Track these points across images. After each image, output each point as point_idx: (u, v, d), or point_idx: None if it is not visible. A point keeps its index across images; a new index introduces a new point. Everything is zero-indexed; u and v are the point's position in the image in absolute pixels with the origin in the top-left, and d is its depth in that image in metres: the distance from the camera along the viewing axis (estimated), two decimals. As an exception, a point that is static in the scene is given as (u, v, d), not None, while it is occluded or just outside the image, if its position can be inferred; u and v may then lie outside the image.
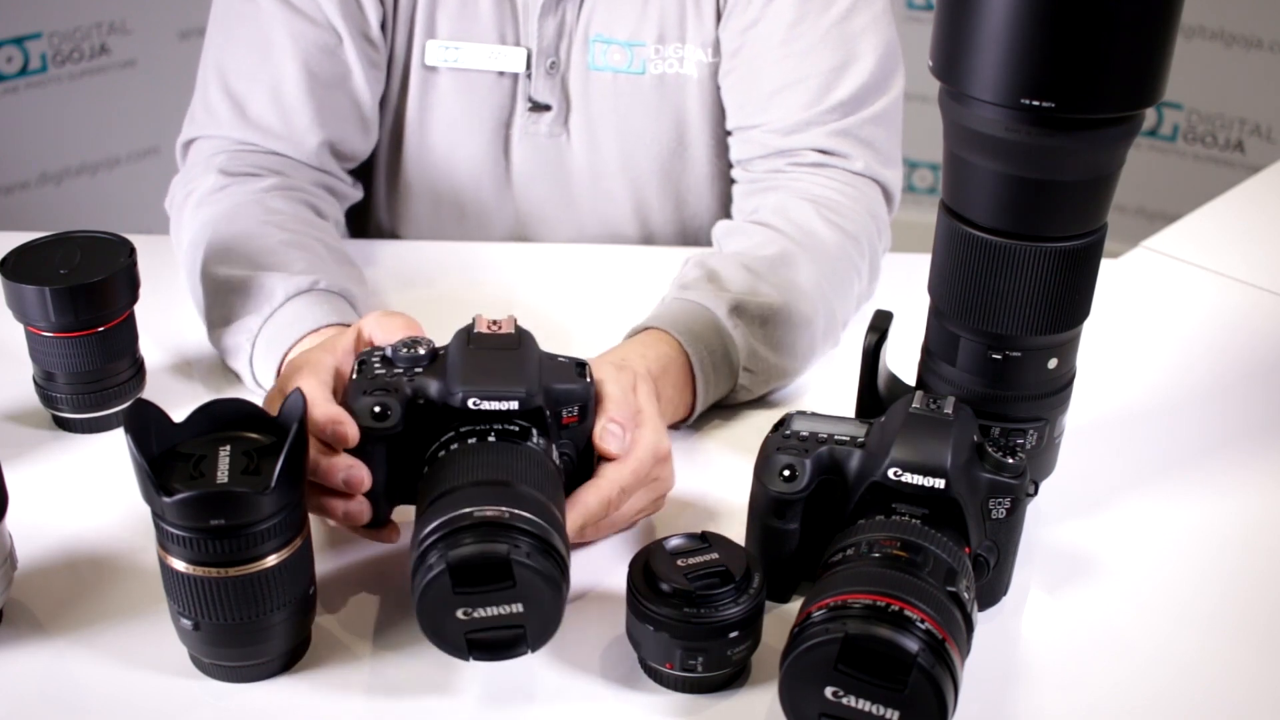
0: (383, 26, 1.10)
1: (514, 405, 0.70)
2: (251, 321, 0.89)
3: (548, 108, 1.13)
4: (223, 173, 1.02)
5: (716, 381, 0.89)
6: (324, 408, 0.70)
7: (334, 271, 0.93)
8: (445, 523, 0.63)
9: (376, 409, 0.70)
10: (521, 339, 0.72)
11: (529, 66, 1.12)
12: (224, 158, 1.04)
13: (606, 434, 0.75)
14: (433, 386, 0.71)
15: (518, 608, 0.63)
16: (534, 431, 0.71)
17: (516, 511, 0.64)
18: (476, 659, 0.65)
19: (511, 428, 0.70)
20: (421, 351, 0.72)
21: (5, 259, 0.86)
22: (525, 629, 0.64)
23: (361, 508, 0.71)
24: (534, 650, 0.65)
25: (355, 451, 0.71)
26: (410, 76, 1.13)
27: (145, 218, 2.55)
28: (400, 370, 0.72)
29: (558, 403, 0.72)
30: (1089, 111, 0.68)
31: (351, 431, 0.70)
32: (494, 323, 0.73)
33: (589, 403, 0.74)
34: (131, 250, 0.88)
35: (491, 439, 0.69)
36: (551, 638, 0.65)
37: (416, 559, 0.64)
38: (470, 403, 0.69)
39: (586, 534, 0.75)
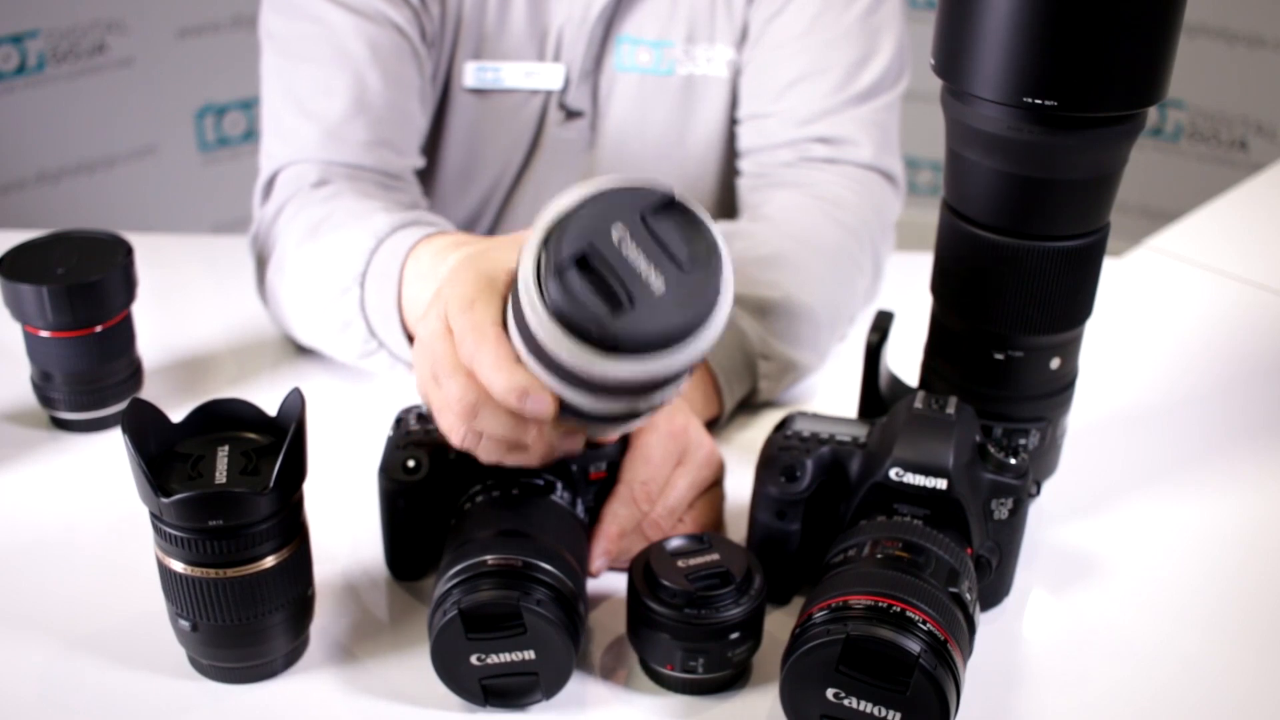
0: (429, 42, 1.07)
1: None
2: (354, 261, 0.85)
3: (580, 114, 1.12)
4: (318, 185, 0.97)
5: (737, 377, 0.89)
6: (507, 375, 0.61)
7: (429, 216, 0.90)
8: (462, 570, 0.65)
9: (410, 463, 0.73)
10: None
11: (567, 77, 1.10)
12: (316, 176, 0.97)
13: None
14: None
15: (530, 654, 0.64)
16: (559, 485, 0.72)
17: (532, 560, 0.65)
18: (491, 705, 0.66)
19: (536, 481, 0.72)
20: None
21: (2, 258, 0.86)
22: (538, 676, 0.65)
23: (571, 439, 0.67)
24: (548, 697, 0.66)
25: (392, 504, 0.73)
26: (449, 98, 1.10)
27: (143, 217, 2.55)
28: (434, 426, 0.74)
29: (585, 458, 0.74)
30: (1091, 110, 0.68)
31: (545, 406, 0.62)
32: None
33: (617, 459, 0.75)
34: (129, 250, 0.88)
35: (515, 492, 0.71)
36: (565, 685, 0.66)
37: (434, 605, 0.65)
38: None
39: (650, 534, 0.74)
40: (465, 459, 0.73)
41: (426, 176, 1.15)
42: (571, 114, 1.12)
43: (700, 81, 1.12)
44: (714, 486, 0.78)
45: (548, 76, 1.10)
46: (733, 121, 1.13)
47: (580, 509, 0.73)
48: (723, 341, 0.88)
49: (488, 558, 0.65)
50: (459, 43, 1.08)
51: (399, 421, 0.76)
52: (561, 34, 1.09)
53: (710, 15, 1.10)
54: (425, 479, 0.73)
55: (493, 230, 1.19)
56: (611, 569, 0.75)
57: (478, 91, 1.11)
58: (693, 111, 1.12)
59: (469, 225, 1.19)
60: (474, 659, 0.64)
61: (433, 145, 1.13)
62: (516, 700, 0.66)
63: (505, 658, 0.64)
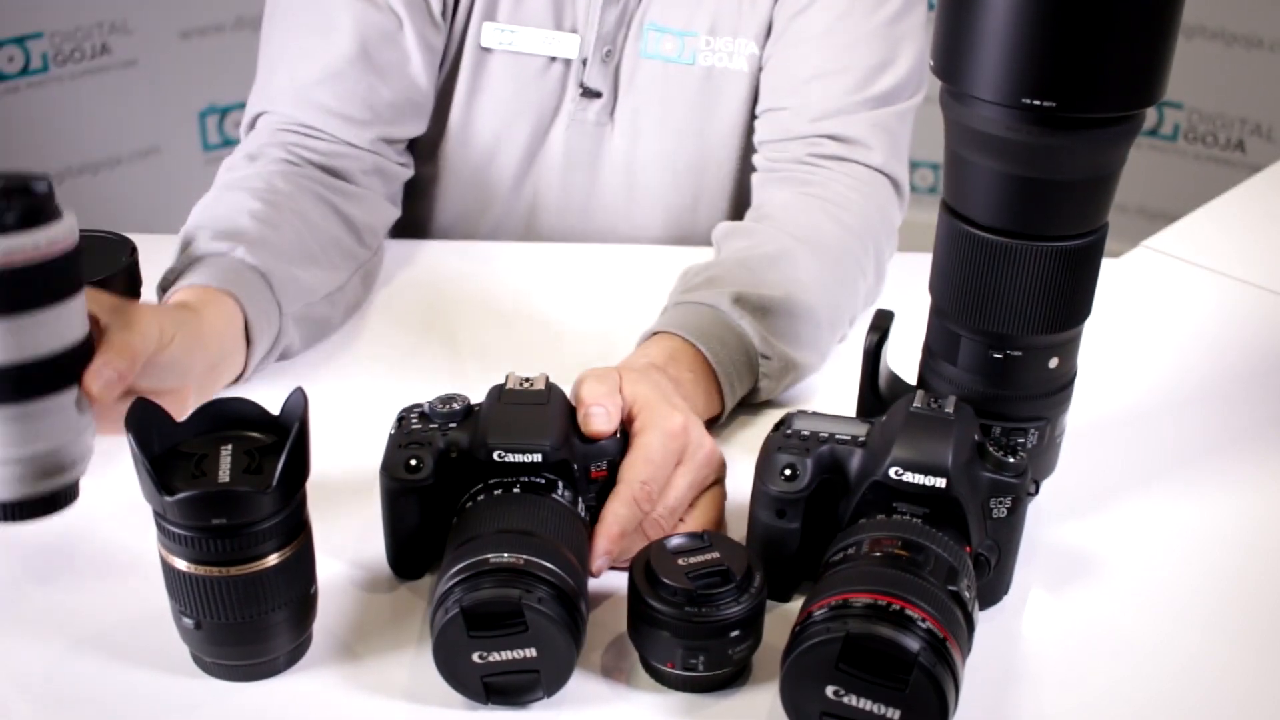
0: (443, 12, 1.11)
1: (538, 457, 0.72)
2: (171, 268, 0.90)
3: (598, 94, 1.14)
4: (249, 157, 1.03)
5: (739, 375, 0.89)
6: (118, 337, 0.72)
7: (270, 248, 0.92)
8: (464, 568, 0.65)
9: (412, 461, 0.73)
10: (551, 395, 0.75)
11: (583, 53, 1.13)
12: (280, 142, 1.04)
13: (589, 419, 0.75)
14: (464, 440, 0.74)
15: (531, 652, 0.65)
16: (560, 484, 0.73)
17: (533, 559, 0.65)
18: (493, 702, 0.67)
19: (537, 480, 0.72)
20: (457, 407, 0.75)
21: (7, 258, 0.86)
22: (540, 673, 0.65)
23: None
24: (549, 695, 0.67)
25: (394, 503, 0.74)
26: (463, 58, 1.14)
27: (147, 217, 2.55)
28: (435, 425, 0.75)
29: (586, 457, 0.74)
30: (1090, 111, 0.68)
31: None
32: (526, 380, 0.76)
33: (618, 458, 0.75)
34: (133, 249, 0.88)
35: (516, 490, 0.71)
36: (566, 682, 0.66)
37: (435, 603, 0.66)
38: (496, 455, 0.72)
39: (651, 533, 0.75)
40: (467, 458, 0.73)
41: (444, 142, 1.17)
42: (589, 93, 1.14)
43: (720, 74, 1.13)
44: (715, 485, 0.79)
45: (564, 45, 1.13)
46: (752, 117, 1.14)
47: (581, 508, 0.74)
48: (724, 340, 0.88)
49: (489, 556, 0.65)
50: (476, 5, 1.12)
51: (401, 420, 0.76)
52: (576, 5, 1.12)
53: (736, 9, 1.12)
54: (427, 478, 0.73)
55: (509, 205, 1.21)
56: (612, 568, 0.75)
57: (493, 52, 1.13)
58: (712, 104, 1.14)
59: (487, 198, 1.20)
60: (475, 657, 0.65)
61: (448, 106, 1.16)
62: (518, 698, 0.67)
63: (507, 655, 0.65)
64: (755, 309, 0.90)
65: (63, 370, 0.70)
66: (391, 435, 0.75)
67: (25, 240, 0.66)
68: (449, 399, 0.76)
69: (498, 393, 0.75)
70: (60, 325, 0.69)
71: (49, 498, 0.72)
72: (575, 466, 0.74)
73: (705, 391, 0.87)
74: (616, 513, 0.73)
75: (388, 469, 0.73)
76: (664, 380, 0.81)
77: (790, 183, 1.05)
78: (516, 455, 0.72)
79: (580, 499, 0.74)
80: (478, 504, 0.71)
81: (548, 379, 0.76)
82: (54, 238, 0.67)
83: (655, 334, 0.89)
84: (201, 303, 0.84)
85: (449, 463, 0.73)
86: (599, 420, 0.74)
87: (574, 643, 0.65)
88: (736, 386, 0.89)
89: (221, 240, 0.90)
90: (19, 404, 0.69)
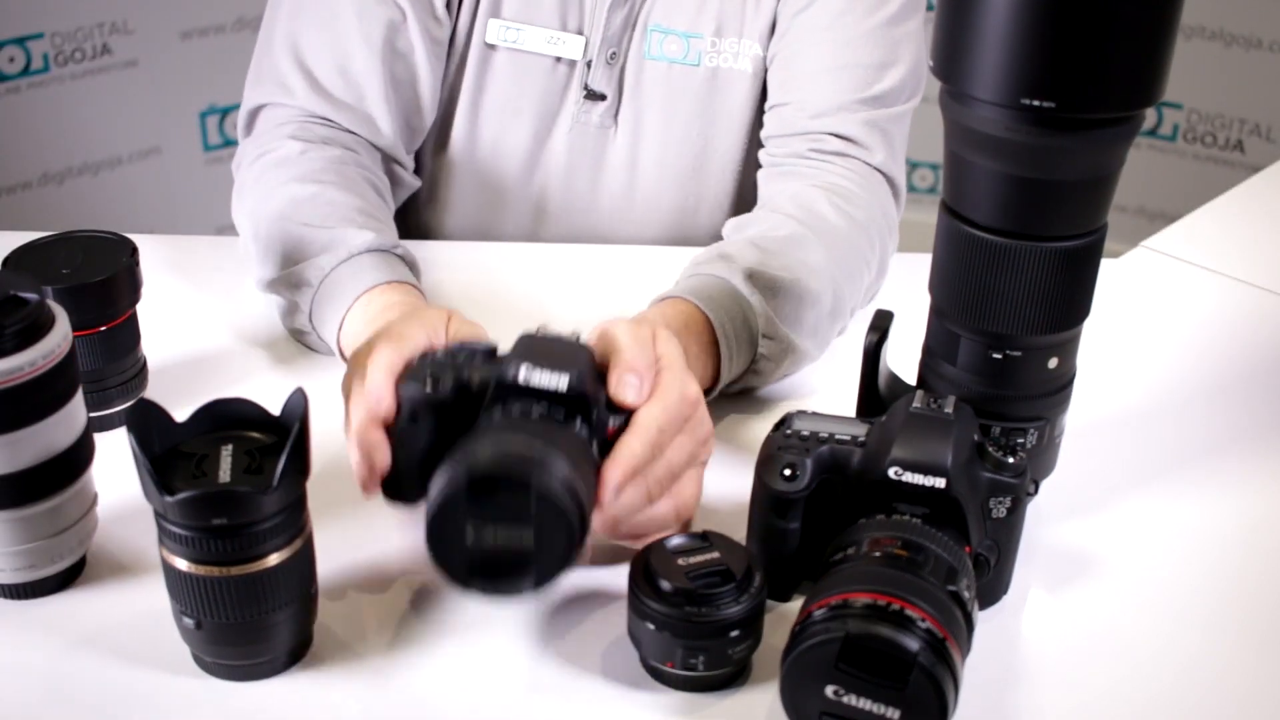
0: (448, 5, 1.12)
1: (563, 383, 0.69)
2: (323, 262, 0.92)
3: (603, 97, 1.14)
4: (298, 139, 1.05)
5: (739, 348, 0.89)
6: (380, 379, 0.72)
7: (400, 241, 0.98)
8: (475, 446, 0.64)
9: (432, 377, 0.71)
10: (579, 342, 0.73)
11: (587, 55, 1.13)
12: (295, 127, 1.06)
13: (623, 384, 0.72)
14: (487, 370, 0.71)
15: (528, 537, 0.63)
16: (579, 419, 0.70)
17: (546, 455, 0.64)
18: (478, 587, 0.65)
19: (559, 409, 0.70)
20: (480, 348, 0.73)
21: (7, 259, 0.86)
22: (532, 563, 0.64)
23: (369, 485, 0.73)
24: (537, 588, 0.65)
25: (409, 421, 0.72)
26: (469, 55, 1.14)
27: (147, 217, 2.56)
28: (459, 359, 0.72)
29: (606, 409, 0.72)
30: (1089, 111, 0.69)
31: (385, 408, 0.71)
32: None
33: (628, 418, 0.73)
34: (134, 250, 0.88)
35: (536, 416, 0.69)
36: (557, 578, 0.64)
37: (444, 471, 0.64)
38: (520, 377, 0.69)
39: (651, 490, 0.72)
40: (488, 386, 0.71)
41: (449, 142, 1.18)
42: (593, 95, 1.14)
43: (725, 75, 1.13)
44: (699, 466, 0.78)
45: (569, 46, 1.13)
46: (756, 119, 1.14)
47: (595, 449, 0.71)
48: (731, 313, 0.88)
49: (506, 435, 0.64)
50: (482, 2, 1.13)
51: (422, 355, 0.73)
52: (583, 6, 1.13)
53: (740, 10, 1.13)
54: (447, 395, 0.70)
55: (514, 206, 1.21)
56: (611, 563, 0.75)
57: (497, 49, 1.14)
58: (716, 105, 1.14)
59: (492, 199, 1.20)
60: (469, 530, 0.63)
61: (453, 106, 1.16)
62: (504, 583, 0.65)
63: (503, 536, 0.63)
64: (766, 287, 0.90)
65: (66, 467, 0.72)
66: (413, 365, 0.73)
67: (22, 360, 0.67)
68: (465, 347, 0.74)
69: (528, 335, 0.73)
70: (61, 429, 0.71)
71: (59, 576, 0.75)
72: (595, 412, 0.71)
73: (703, 367, 0.87)
74: (631, 447, 0.70)
75: (409, 381, 0.71)
76: (680, 344, 0.80)
77: (794, 176, 1.06)
78: (542, 374, 0.69)
79: (594, 441, 0.71)
80: (494, 418, 0.69)
81: (579, 335, 0.74)
82: (49, 350, 0.69)
83: (675, 299, 0.89)
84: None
85: (468, 389, 0.71)
86: (632, 390, 0.72)
87: (574, 536, 0.63)
88: (734, 362, 0.88)
89: (369, 234, 0.94)
90: (26, 507, 0.71)
